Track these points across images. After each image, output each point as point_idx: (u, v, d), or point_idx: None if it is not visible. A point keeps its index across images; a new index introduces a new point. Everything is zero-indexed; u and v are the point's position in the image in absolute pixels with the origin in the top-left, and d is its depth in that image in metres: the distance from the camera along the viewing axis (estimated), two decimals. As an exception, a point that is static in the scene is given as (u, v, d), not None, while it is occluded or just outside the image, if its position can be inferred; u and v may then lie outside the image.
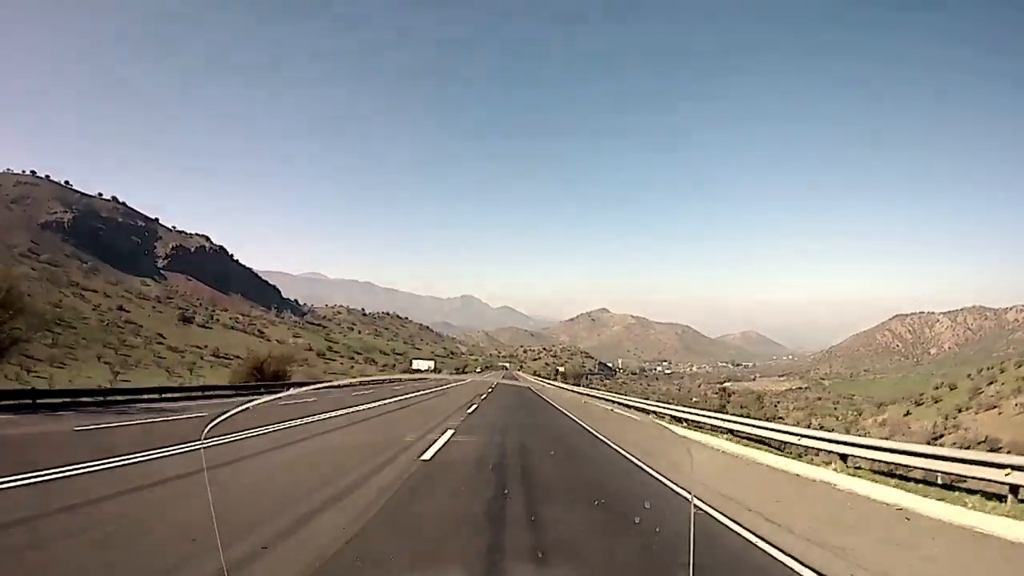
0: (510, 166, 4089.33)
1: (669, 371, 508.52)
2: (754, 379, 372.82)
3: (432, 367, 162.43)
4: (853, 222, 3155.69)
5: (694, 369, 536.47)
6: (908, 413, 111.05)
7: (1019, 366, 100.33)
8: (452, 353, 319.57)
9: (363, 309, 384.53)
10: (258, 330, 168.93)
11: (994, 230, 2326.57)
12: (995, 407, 71.16)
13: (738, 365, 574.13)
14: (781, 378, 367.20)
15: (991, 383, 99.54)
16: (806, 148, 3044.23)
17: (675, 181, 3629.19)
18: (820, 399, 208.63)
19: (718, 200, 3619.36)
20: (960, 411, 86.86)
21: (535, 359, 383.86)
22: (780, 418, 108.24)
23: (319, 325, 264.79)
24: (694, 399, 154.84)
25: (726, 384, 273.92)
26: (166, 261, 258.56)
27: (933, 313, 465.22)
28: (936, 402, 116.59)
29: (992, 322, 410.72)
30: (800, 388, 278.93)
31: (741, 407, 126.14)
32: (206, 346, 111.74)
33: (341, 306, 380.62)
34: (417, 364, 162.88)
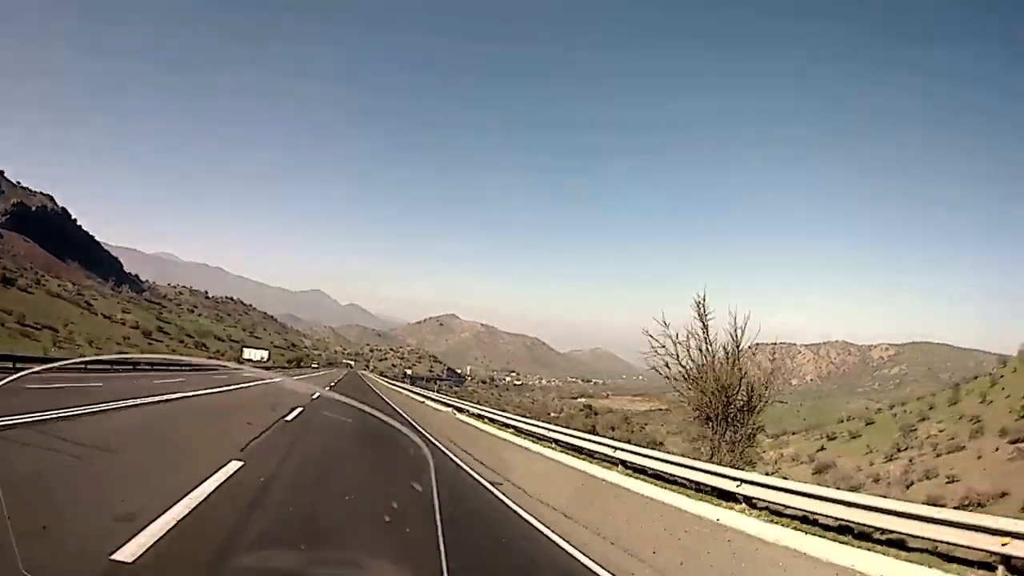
0: (365, 165, 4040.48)
1: (519, 382, 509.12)
2: (607, 396, 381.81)
3: (265, 358, 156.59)
4: (711, 250, 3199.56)
5: (543, 382, 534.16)
6: (822, 449, 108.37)
7: (952, 402, 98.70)
8: (293, 345, 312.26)
9: (206, 292, 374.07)
10: (86, 301, 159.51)
11: (859, 268, 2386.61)
12: (961, 448, 68.69)
13: (588, 381, 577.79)
14: (636, 397, 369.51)
15: (923, 419, 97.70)
16: (662, 164, 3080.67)
17: (526, 194, 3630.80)
18: (692, 423, 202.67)
19: (573, 215, 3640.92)
20: (900, 450, 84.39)
21: (382, 359, 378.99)
22: (660, 444, 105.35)
23: (157, 304, 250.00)
24: (551, 414, 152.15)
25: (584, 401, 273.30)
26: (4, 218, 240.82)
27: (795, 344, 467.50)
28: (854, 437, 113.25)
29: (856, 357, 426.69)
30: (661, 410, 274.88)
31: (611, 428, 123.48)
32: (11, 312, 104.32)
33: (184, 286, 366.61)
34: (248, 353, 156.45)
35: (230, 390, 39.16)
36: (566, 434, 29.42)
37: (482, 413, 43.53)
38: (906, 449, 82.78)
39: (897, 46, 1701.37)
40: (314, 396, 26.67)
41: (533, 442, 29.60)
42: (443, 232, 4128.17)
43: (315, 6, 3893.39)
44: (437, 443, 29.16)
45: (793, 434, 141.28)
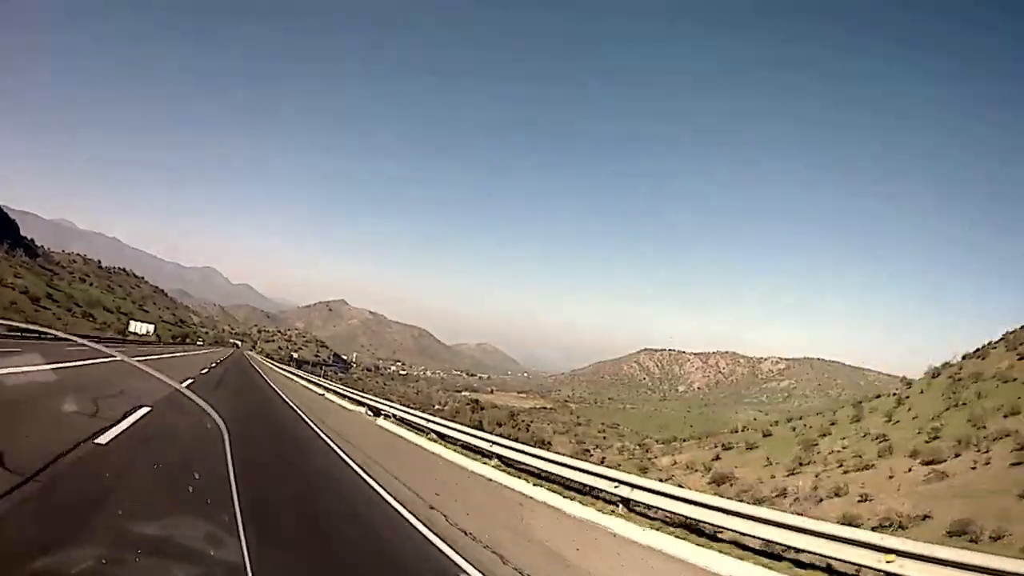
0: (267, 145, 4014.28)
1: (404, 372, 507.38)
2: (491, 392, 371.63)
3: (151, 332, 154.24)
4: (606, 252, 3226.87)
5: (428, 373, 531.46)
6: (718, 458, 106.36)
7: (855, 419, 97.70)
8: (182, 321, 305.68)
9: (99, 261, 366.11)
10: None
11: (755, 279, 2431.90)
12: (870, 467, 65.84)
13: (473, 375, 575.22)
14: (521, 395, 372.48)
15: (824, 435, 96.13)
16: (560, 169, 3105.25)
17: (424, 185, 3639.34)
18: (580, 424, 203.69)
19: (466, 210, 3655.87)
20: (802, 464, 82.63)
21: (269, 341, 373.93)
22: (548, 443, 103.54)
23: (50, 271, 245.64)
24: (436, 406, 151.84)
25: (467, 394, 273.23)
26: None
27: (684, 352, 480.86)
28: (750, 448, 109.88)
29: (746, 368, 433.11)
30: (546, 408, 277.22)
31: (498, 424, 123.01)
32: None
33: (78, 254, 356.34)
34: (135, 327, 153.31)
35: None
36: (455, 429, 27.43)
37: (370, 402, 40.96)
38: (808, 464, 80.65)
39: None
40: (186, 382, 24.78)
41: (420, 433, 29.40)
42: (337, 217, 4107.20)
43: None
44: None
45: (685, 441, 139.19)
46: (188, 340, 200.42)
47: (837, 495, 56.97)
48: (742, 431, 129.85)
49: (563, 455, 22.46)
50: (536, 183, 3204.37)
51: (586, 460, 23.87)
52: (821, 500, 57.03)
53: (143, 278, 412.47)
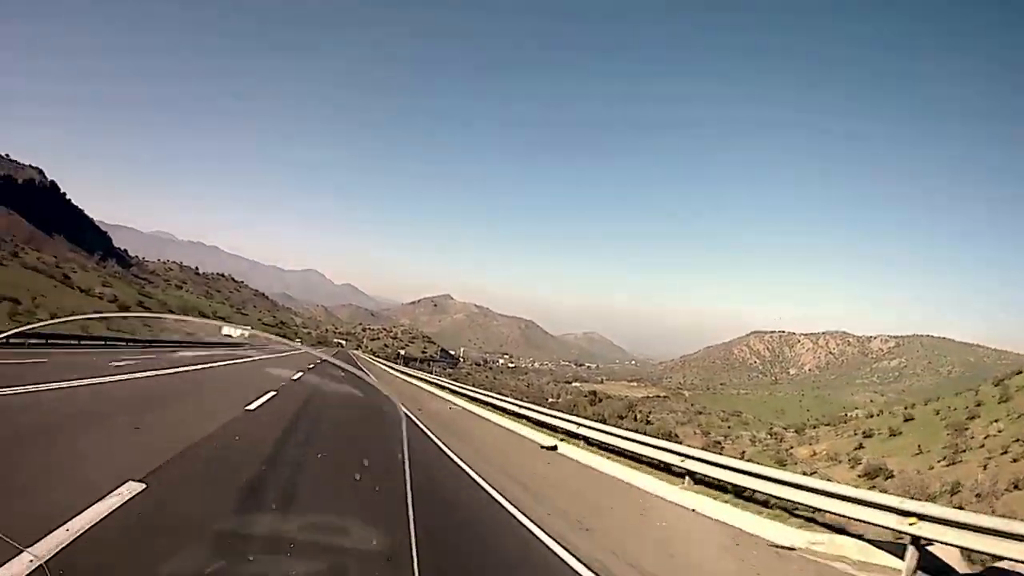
0: (362, 147, 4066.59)
1: (512, 364, 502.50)
2: (601, 381, 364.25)
3: (246, 334, 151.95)
4: (710, 239, 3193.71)
5: (536, 365, 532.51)
6: (860, 447, 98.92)
7: (1003, 399, 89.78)
8: (282, 323, 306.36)
9: (196, 268, 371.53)
10: (63, 274, 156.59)
11: (859, 260, 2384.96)
12: None
13: (581, 365, 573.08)
14: (631, 383, 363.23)
15: (972, 417, 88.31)
16: (661, 152, 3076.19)
17: (525, 177, 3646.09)
18: (701, 413, 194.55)
19: (567, 199, 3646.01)
20: (958, 451, 74.02)
21: (374, 339, 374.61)
22: (676, 436, 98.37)
23: (144, 279, 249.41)
24: (549, 399, 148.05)
25: (578, 385, 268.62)
26: None
27: (794, 333, 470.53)
28: (894, 435, 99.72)
29: (855, 348, 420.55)
30: (660, 396, 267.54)
31: (619, 417, 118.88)
32: None
33: (174, 262, 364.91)
34: (227, 330, 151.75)
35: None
36: (593, 429, 23.60)
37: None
38: (965, 451, 74.07)
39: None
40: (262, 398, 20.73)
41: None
42: (440, 214, 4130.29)
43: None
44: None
45: (815, 427, 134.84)
46: (287, 338, 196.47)
47: (1017, 487, 50.91)
48: (878, 415, 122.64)
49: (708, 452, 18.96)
50: (635, 170, 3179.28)
51: (723, 454, 22.68)
52: (1001, 494, 51.90)
53: (243, 282, 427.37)
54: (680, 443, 23.25)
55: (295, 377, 35.89)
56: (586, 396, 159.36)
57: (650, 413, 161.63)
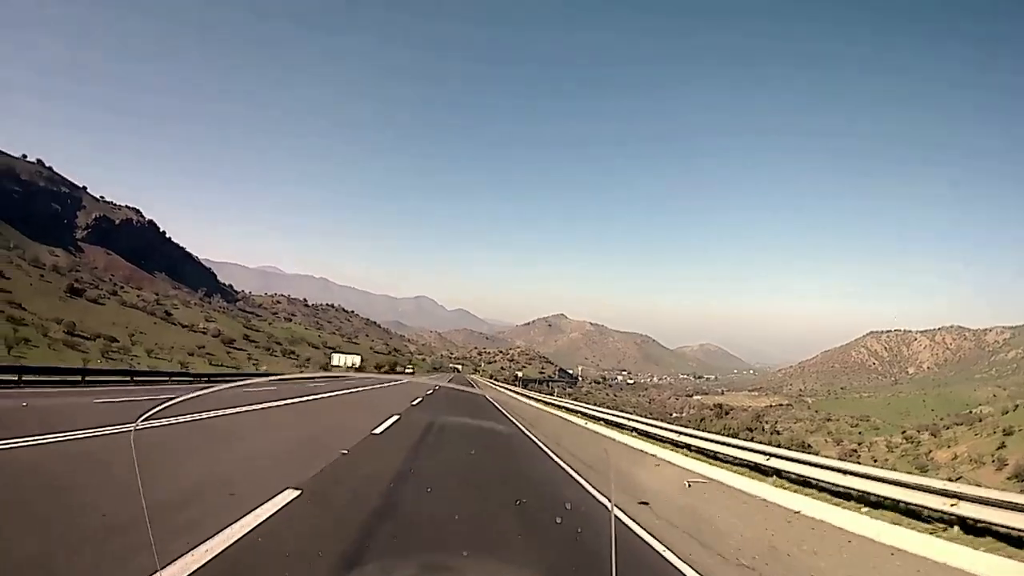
0: (470, 174, 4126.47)
1: (631, 381, 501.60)
2: (722, 393, 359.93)
3: (356, 364, 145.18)
4: (819, 241, 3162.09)
5: (655, 380, 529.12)
6: (1003, 447, 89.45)
7: None
8: (395, 351, 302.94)
9: (305, 300, 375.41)
10: (165, 311, 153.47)
11: (971, 250, 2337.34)
12: None
13: (699, 377, 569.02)
14: (752, 392, 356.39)
15: None
16: (771, 162, 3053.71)
17: (634, 194, 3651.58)
18: (829, 420, 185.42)
19: (678, 214, 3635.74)
20: None
21: (490, 362, 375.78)
22: (809, 447, 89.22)
23: (251, 313, 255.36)
24: (673, 414, 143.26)
25: (699, 398, 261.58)
26: (86, 232, 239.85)
27: (910, 331, 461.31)
28: None
29: (971, 342, 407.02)
30: (782, 405, 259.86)
31: (749, 429, 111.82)
32: (61, 320, 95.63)
33: (282, 295, 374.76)
34: (337, 360, 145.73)
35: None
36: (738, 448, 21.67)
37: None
38: None
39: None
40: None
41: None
42: (551, 235, 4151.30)
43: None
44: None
45: (947, 428, 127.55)
46: (398, 368, 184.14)
47: None
48: (1013, 410, 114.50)
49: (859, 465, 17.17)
50: (744, 182, 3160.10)
51: (861, 462, 25.52)
52: None
53: (353, 312, 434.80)
54: (817, 454, 26.76)
55: (415, 402, 37.68)
56: (711, 409, 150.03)
57: (776, 423, 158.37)
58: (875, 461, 77.30)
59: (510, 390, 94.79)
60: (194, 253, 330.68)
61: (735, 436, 41.78)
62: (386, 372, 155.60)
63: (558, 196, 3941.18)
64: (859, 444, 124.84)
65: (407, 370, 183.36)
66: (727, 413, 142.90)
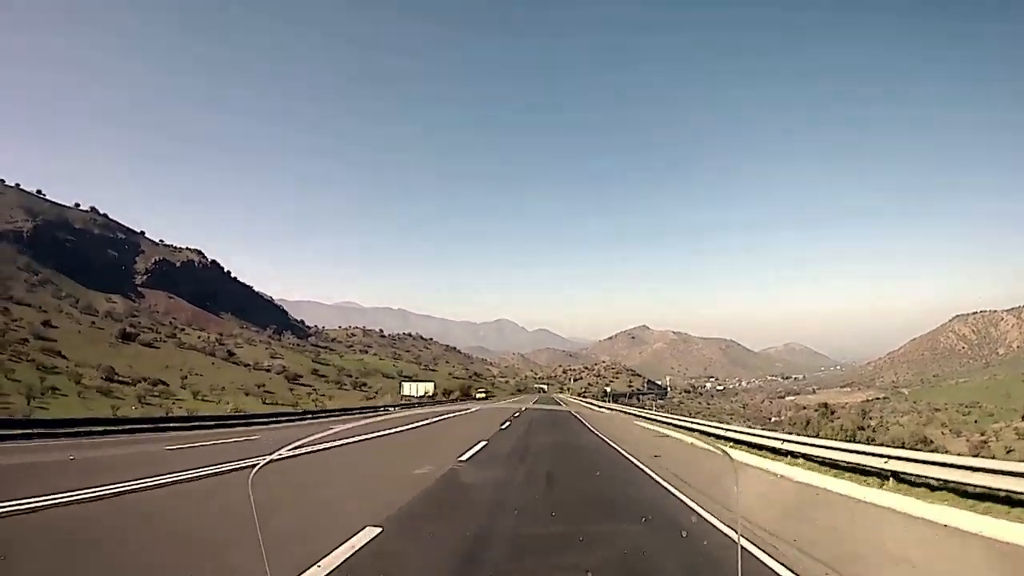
0: (543, 191, 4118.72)
1: (720, 387, 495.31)
2: (813, 391, 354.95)
3: (429, 392, 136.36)
4: (896, 229, 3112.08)
5: (744, 384, 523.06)
6: None
7: None
8: (476, 375, 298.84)
9: (381, 331, 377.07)
10: (227, 351, 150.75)
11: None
12: None
13: (787, 378, 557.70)
14: (844, 388, 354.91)
15: None
16: (837, 155, 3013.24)
17: (707, 196, 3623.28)
18: (938, 410, 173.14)
19: (754, 214, 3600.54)
20: None
21: (576, 379, 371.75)
22: (930, 441, 79.96)
23: (324, 347, 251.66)
24: (771, 418, 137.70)
25: (791, 399, 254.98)
26: (146, 276, 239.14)
27: (996, 311, 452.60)
28: None
29: None
30: (878, 399, 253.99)
31: (859, 428, 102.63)
32: (98, 366, 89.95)
33: (357, 327, 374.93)
34: (408, 390, 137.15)
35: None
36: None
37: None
38: None
39: None
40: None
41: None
42: (629, 248, 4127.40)
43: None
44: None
45: None
46: (472, 392, 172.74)
47: None
48: None
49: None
50: (821, 176, 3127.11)
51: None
52: None
53: (431, 339, 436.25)
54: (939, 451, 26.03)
55: (503, 426, 38.44)
56: (816, 410, 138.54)
57: (882, 419, 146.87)
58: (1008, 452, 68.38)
59: (604, 408, 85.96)
60: (267, 293, 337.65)
61: (852, 439, 40.58)
62: (459, 399, 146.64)
63: (633, 209, 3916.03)
64: (982, 434, 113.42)
65: (478, 394, 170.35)
66: (833, 413, 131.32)
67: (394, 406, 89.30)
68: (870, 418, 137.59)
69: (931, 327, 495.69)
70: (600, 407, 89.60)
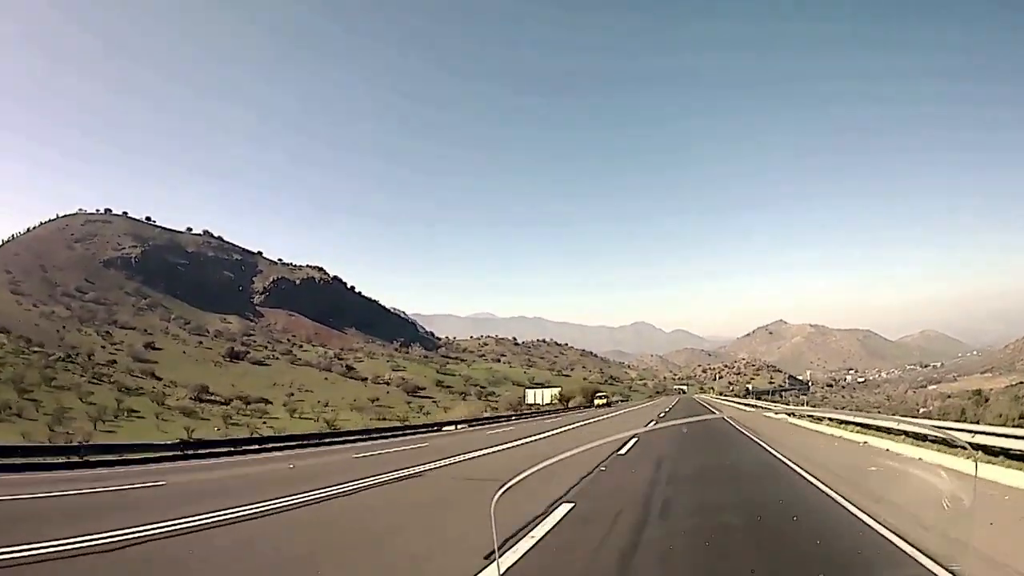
0: (674, 192, 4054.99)
1: (861, 379, 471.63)
2: (954, 379, 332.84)
3: (547, 397, 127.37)
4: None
5: (883, 375, 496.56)
6: None
7: None
8: (613, 378, 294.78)
9: (514, 339, 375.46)
10: (346, 365, 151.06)
11: None
12: None
13: (926, 366, 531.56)
14: (985, 374, 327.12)
15: None
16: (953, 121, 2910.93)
17: (835, 187, 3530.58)
18: None
19: (879, 205, 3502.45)
20: None
21: (718, 378, 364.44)
22: None
23: (455, 358, 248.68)
24: (920, 409, 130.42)
25: (933, 388, 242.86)
26: (264, 296, 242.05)
27: None
28: None
29: None
30: (1022, 382, 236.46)
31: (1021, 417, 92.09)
32: (184, 385, 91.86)
33: (489, 336, 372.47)
34: (531, 397, 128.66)
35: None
36: None
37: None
38: None
39: None
40: None
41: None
42: (763, 240, 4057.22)
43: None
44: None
45: None
46: (599, 398, 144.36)
47: None
48: None
49: None
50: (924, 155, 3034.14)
51: None
52: None
53: (566, 345, 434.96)
54: None
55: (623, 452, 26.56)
56: (970, 398, 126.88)
57: None
58: None
59: (762, 409, 72.66)
60: (399, 308, 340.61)
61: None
62: (582, 406, 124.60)
63: (762, 202, 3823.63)
64: None
65: (598, 400, 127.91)
66: (987, 400, 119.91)
67: (464, 422, 62.74)
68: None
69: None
70: (747, 406, 75.62)
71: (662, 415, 62.48)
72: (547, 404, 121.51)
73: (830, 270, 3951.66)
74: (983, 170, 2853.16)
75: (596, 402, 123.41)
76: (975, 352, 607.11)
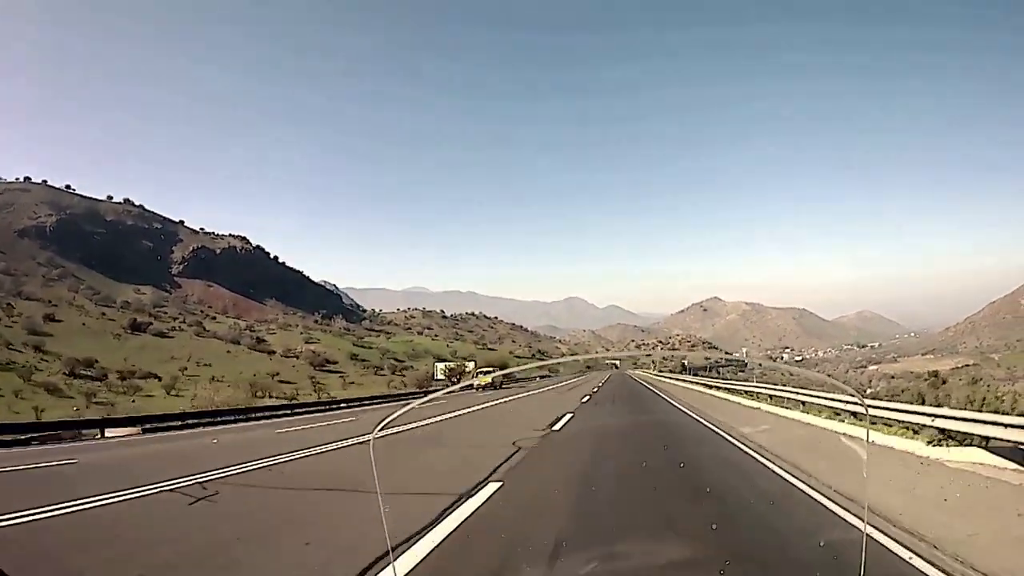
0: (610, 173, 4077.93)
1: (798, 358, 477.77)
2: (894, 360, 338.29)
3: (444, 372, 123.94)
4: (960, 191, 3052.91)
5: (820, 354, 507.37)
6: None
7: None
8: (540, 352, 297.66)
9: (442, 311, 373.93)
10: (257, 337, 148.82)
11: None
12: None
13: (863, 346, 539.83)
14: (926, 356, 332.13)
15: None
16: (877, 116, 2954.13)
17: (768, 163, 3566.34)
18: None
19: (820, 184, 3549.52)
20: None
21: (648, 354, 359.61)
22: None
23: (378, 331, 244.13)
24: (868, 389, 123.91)
25: (875, 368, 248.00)
26: (183, 266, 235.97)
27: None
28: None
29: None
30: (967, 365, 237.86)
31: (997, 399, 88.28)
32: (71, 359, 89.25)
33: (416, 309, 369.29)
34: (441, 372, 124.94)
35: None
36: None
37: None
38: None
39: None
40: None
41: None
42: (696, 218, 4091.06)
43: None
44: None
45: None
46: (480, 375, 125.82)
47: None
48: None
49: None
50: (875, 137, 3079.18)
51: None
52: None
53: (496, 318, 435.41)
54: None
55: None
56: (925, 380, 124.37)
57: (988, 387, 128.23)
58: None
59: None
60: (330, 282, 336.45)
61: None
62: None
63: (702, 185, 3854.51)
64: None
65: (480, 376, 76.36)
66: (944, 382, 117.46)
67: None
68: (986, 387, 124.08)
69: (1006, 291, 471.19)
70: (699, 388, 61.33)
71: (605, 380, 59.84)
72: (439, 380, 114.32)
73: (766, 251, 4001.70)
74: (908, 168, 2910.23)
75: (476, 381, 72.73)
76: (913, 334, 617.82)
